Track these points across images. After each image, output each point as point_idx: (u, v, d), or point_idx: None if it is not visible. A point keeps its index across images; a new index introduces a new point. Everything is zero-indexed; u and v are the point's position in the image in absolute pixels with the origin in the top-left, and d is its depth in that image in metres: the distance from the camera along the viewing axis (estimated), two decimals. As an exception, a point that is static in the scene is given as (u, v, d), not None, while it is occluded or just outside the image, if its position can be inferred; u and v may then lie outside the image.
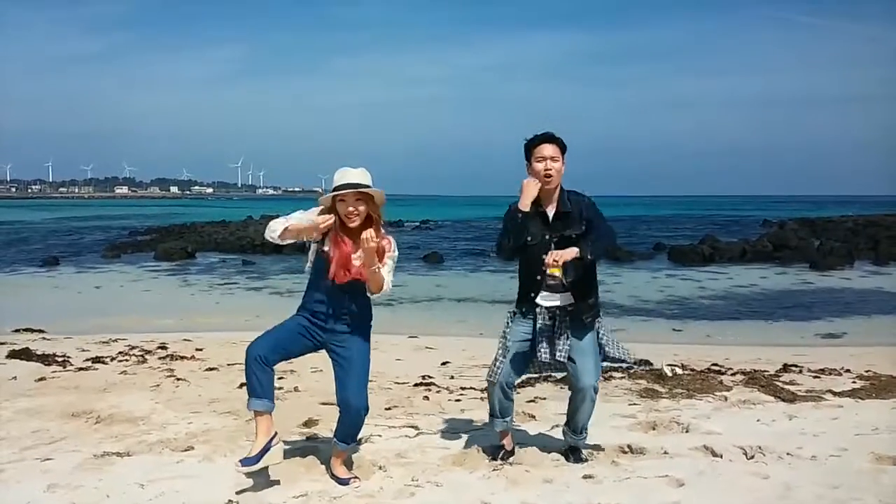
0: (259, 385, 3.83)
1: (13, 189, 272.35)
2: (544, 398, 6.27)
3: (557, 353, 4.16)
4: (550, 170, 4.10)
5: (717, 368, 7.61)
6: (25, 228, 47.19)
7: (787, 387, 6.57)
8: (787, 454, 4.40)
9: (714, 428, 5.05)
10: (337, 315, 3.95)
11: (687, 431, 5.03)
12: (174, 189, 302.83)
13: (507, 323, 4.33)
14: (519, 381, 4.67)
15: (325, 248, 3.93)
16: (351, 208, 3.83)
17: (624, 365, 4.60)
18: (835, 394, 6.27)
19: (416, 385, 7.01)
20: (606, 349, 4.35)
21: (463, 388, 6.84)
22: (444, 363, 8.50)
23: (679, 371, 7.20)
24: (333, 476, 4.11)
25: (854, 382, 6.85)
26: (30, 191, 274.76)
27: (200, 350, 8.80)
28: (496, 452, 4.48)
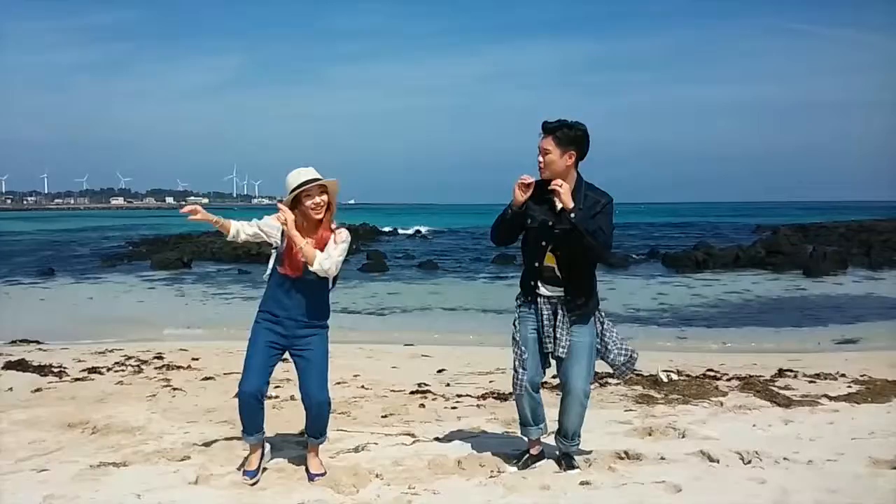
0: (253, 424, 4.22)
1: (8, 201, 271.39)
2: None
3: (559, 349, 4.17)
4: (540, 162, 4.14)
5: (712, 374, 7.63)
6: (21, 240, 47.02)
7: (782, 392, 6.59)
8: (784, 459, 4.41)
9: (710, 433, 5.06)
10: (298, 316, 4.16)
11: (683, 437, 5.04)
12: (170, 200, 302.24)
13: (515, 323, 4.32)
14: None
15: (284, 250, 4.14)
16: (318, 199, 4.06)
17: (626, 371, 4.44)
18: (830, 398, 6.28)
19: (412, 393, 7.01)
20: (610, 355, 4.33)
21: (459, 396, 6.85)
22: (439, 371, 8.49)
23: (674, 377, 7.22)
24: (306, 469, 4.30)
25: (849, 387, 6.87)
26: (25, 202, 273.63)
27: (196, 360, 8.78)
28: (521, 457, 4.45)
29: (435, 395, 6.93)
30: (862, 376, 7.35)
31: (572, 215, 3.95)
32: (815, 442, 4.82)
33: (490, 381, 7.59)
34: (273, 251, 4.22)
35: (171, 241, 38.60)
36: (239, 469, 4.35)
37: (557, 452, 4.49)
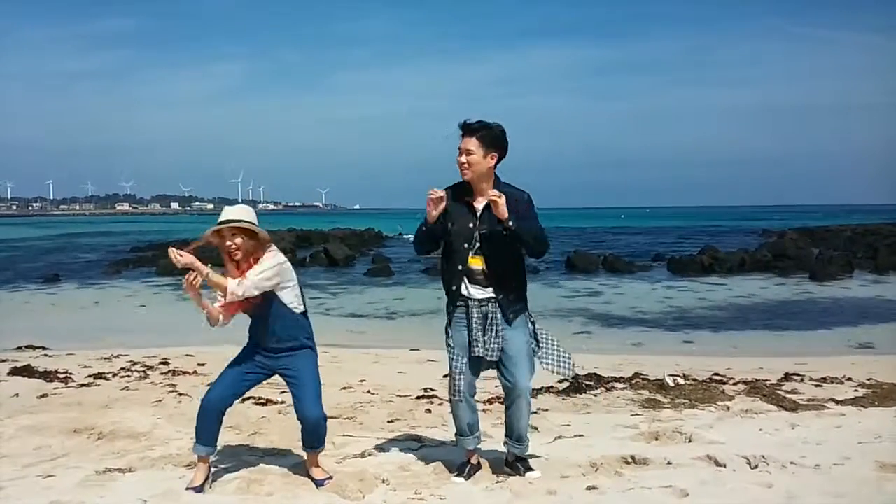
0: (208, 434, 4.15)
1: (14, 207, 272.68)
2: (547, 409, 6.26)
3: (489, 353, 4.11)
4: (464, 163, 4.07)
5: (718, 378, 7.61)
6: (26, 246, 47.19)
7: (789, 396, 6.56)
8: (791, 463, 4.39)
9: (717, 437, 5.04)
10: (269, 340, 4.17)
11: (690, 441, 5.02)
12: (175, 205, 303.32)
13: (447, 329, 4.27)
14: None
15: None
16: (228, 242, 4.07)
17: (562, 375, 4.45)
18: (837, 402, 6.26)
19: (418, 398, 7.00)
20: (541, 355, 4.28)
21: (465, 401, 6.82)
22: (445, 375, 8.46)
23: (681, 381, 7.20)
24: (311, 478, 4.28)
25: (856, 391, 6.85)
26: (30, 208, 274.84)
27: (202, 365, 8.79)
28: (463, 468, 4.36)
29: (441, 399, 6.91)
30: (868, 380, 7.33)
31: (511, 223, 3.94)
32: (822, 446, 4.80)
33: (496, 386, 7.54)
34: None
35: (177, 246, 38.65)
36: (188, 489, 4.11)
37: (509, 458, 4.40)
